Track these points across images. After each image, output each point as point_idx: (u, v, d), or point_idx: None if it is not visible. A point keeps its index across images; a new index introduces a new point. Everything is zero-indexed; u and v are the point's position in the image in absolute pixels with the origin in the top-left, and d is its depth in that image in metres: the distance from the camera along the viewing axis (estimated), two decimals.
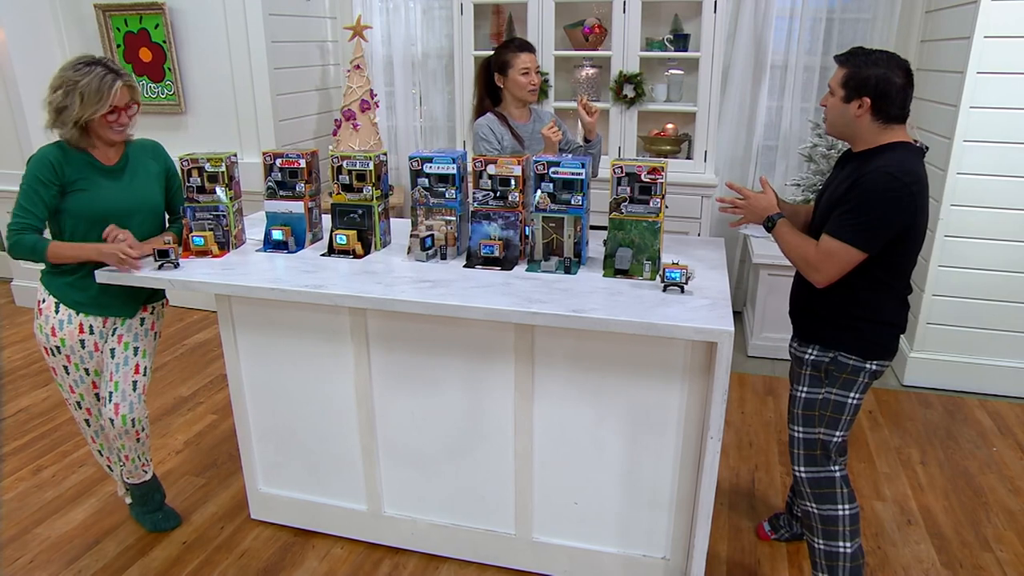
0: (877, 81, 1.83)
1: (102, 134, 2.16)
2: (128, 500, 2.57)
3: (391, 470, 2.40)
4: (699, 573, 2.01)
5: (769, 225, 2.05)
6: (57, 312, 2.19)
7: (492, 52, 2.85)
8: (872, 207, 1.81)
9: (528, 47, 2.79)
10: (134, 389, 2.32)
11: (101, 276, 2.14)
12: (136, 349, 2.34)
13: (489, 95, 2.87)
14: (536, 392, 2.15)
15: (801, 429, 2.09)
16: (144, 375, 2.35)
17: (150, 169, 2.31)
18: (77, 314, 2.21)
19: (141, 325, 2.37)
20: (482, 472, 2.30)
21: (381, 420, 2.34)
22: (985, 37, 3.15)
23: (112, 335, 2.31)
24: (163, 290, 2.41)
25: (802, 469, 2.11)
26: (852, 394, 2.02)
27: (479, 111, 2.88)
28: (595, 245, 2.34)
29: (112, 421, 2.28)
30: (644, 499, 2.18)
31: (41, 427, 3.28)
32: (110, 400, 2.29)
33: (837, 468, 2.09)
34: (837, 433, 2.05)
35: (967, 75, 3.20)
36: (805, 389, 2.08)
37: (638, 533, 2.23)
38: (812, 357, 2.04)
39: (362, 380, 2.29)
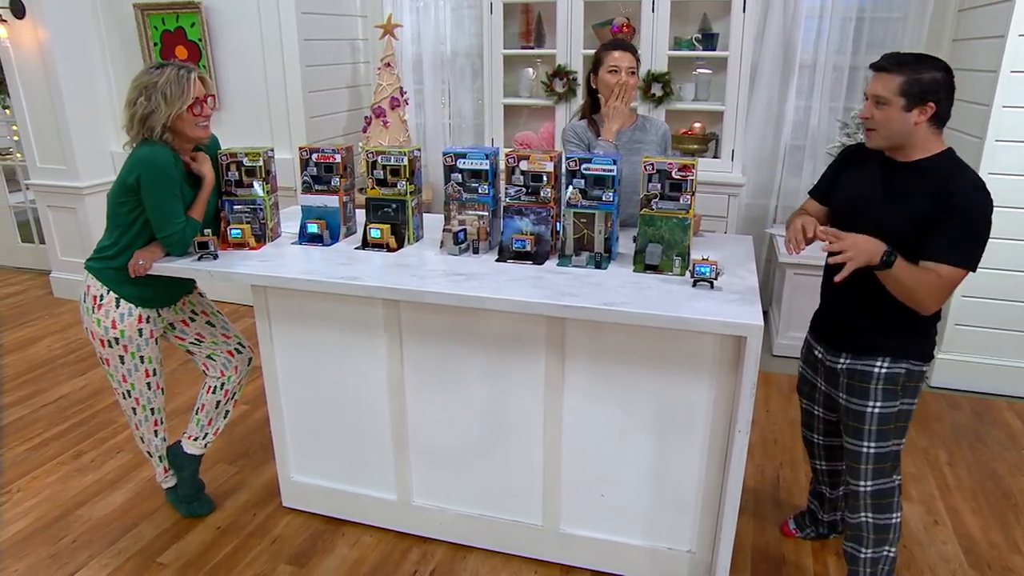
0: (939, 86, 1.80)
1: (190, 133, 2.23)
2: (166, 486, 2.64)
3: (421, 460, 2.45)
4: (725, 567, 2.03)
5: (889, 260, 1.81)
6: (118, 306, 2.28)
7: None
8: (985, 228, 1.81)
9: (623, 45, 2.61)
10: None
11: (157, 268, 2.25)
12: (218, 312, 2.61)
13: (591, 99, 2.73)
14: (566, 385, 2.18)
15: (875, 445, 2.01)
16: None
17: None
18: (136, 307, 2.30)
19: (201, 296, 2.59)
20: (511, 464, 2.34)
21: (412, 411, 2.39)
22: (1019, 35, 3.12)
23: (177, 318, 2.48)
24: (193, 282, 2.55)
25: (869, 483, 2.04)
26: (916, 399, 2.02)
27: (580, 115, 2.79)
28: (625, 241, 2.36)
29: (251, 360, 2.64)
30: (671, 493, 2.20)
31: (80, 414, 3.38)
32: (244, 347, 2.62)
33: (898, 477, 2.07)
34: (903, 440, 2.04)
35: (1000, 74, 3.18)
36: (879, 404, 1.98)
37: (664, 526, 2.25)
38: (884, 370, 1.96)
39: (394, 371, 2.34)
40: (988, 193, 1.81)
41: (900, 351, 1.96)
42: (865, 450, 2.03)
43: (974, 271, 1.84)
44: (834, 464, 2.36)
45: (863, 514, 2.08)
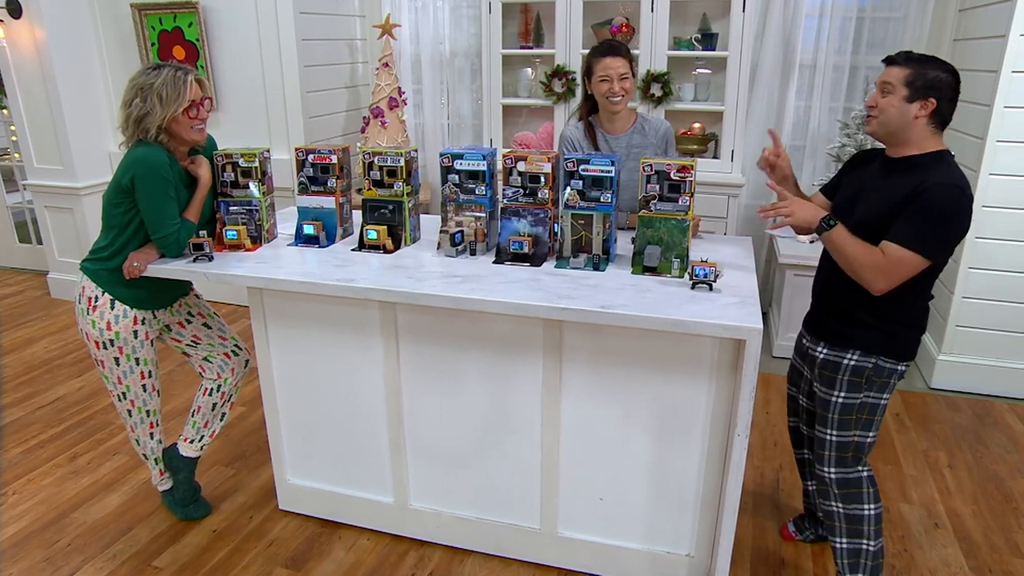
0: (943, 84, 1.84)
1: (185, 135, 2.21)
2: (162, 488, 2.62)
3: (418, 463, 2.43)
4: (724, 571, 2.02)
5: (826, 227, 1.93)
6: (113, 308, 2.26)
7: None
8: (946, 220, 1.82)
9: (613, 51, 2.56)
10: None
11: (152, 270, 2.23)
12: (214, 313, 2.60)
13: (588, 101, 2.71)
14: (563, 388, 2.16)
15: (836, 433, 2.08)
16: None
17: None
18: (132, 309, 2.28)
19: (197, 298, 2.57)
20: (508, 467, 2.32)
21: (409, 413, 2.37)
22: (1020, 35, 3.10)
23: (173, 320, 2.46)
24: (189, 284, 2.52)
25: (832, 470, 2.10)
26: (885, 395, 2.04)
27: (578, 116, 2.76)
28: (624, 242, 2.35)
29: (247, 362, 2.61)
30: (670, 496, 2.19)
31: (77, 415, 3.36)
32: (240, 350, 2.59)
33: (865, 469, 2.10)
34: (870, 434, 2.07)
35: (1001, 74, 3.16)
36: (843, 394, 2.04)
37: (663, 529, 2.24)
38: (853, 363, 2.01)
39: (391, 374, 2.32)
40: (961, 193, 1.82)
41: (872, 346, 1.99)
42: (828, 437, 2.09)
43: (928, 259, 1.84)
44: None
45: (833, 503, 2.12)
